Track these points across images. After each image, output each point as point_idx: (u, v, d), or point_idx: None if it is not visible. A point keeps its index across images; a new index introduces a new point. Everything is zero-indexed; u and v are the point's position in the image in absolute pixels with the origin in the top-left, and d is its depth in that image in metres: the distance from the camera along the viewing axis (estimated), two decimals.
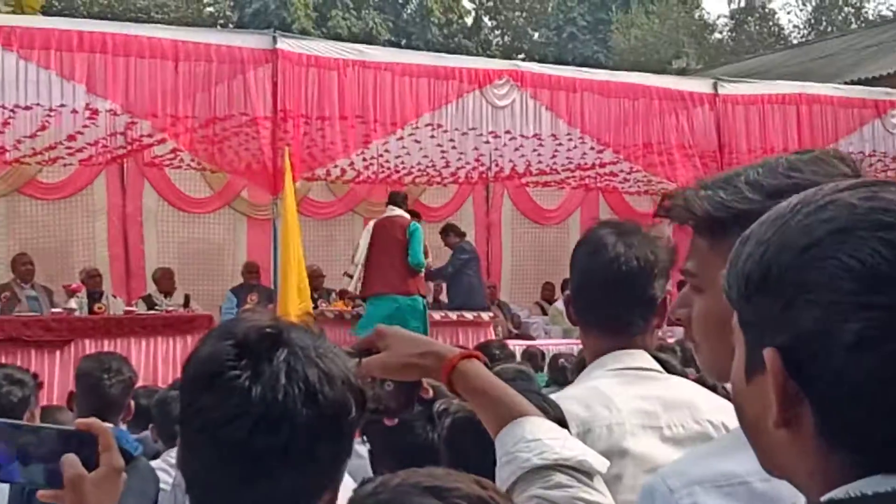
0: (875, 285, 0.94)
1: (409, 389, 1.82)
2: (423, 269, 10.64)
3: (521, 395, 1.74)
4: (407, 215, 10.78)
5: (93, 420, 1.61)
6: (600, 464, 1.63)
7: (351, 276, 10.93)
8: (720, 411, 2.23)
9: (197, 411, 1.39)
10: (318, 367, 1.39)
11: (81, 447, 1.57)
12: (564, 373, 6.48)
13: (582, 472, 1.60)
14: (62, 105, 9.56)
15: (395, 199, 10.94)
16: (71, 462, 1.54)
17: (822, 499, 0.96)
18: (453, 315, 11.62)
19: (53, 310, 10.67)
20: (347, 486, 1.50)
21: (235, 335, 1.40)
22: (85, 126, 10.19)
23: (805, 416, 0.98)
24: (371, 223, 11.00)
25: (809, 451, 0.99)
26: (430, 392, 1.85)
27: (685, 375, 2.89)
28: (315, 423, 1.36)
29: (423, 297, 10.68)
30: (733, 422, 1.12)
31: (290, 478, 1.37)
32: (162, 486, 4.24)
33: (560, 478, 1.57)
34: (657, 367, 2.35)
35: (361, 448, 4.38)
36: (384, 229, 10.58)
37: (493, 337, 10.94)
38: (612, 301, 2.31)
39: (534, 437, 1.62)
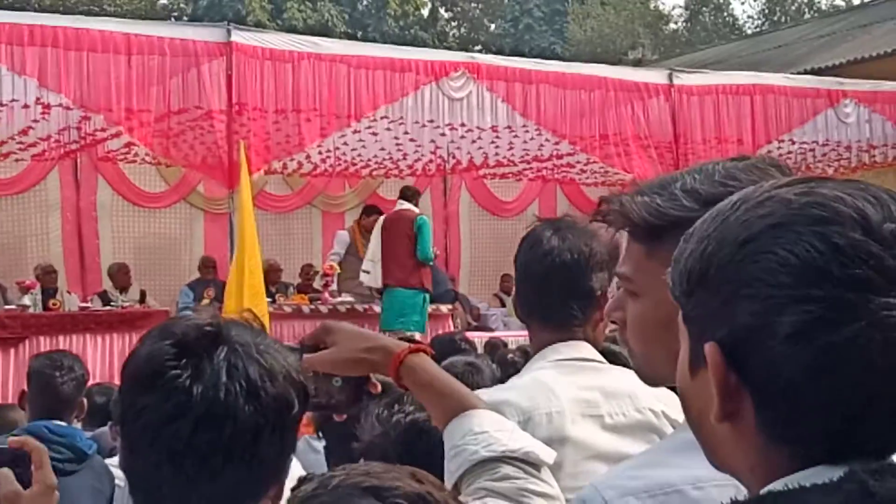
0: (810, 278, 0.95)
1: (356, 385, 1.82)
2: (432, 263, 10.90)
3: (468, 390, 1.75)
4: (416, 209, 10.98)
5: (26, 438, 1.60)
6: (547, 455, 1.64)
7: (368, 273, 11.04)
8: (660, 400, 2.26)
9: (138, 412, 1.38)
10: (258, 364, 1.38)
11: (15, 464, 1.55)
12: (515, 366, 6.47)
13: (529, 463, 1.61)
14: (13, 100, 9.44)
15: (406, 194, 11.20)
16: (6, 477, 1.53)
17: (762, 492, 0.97)
18: None
19: (7, 307, 10.54)
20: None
21: (175, 334, 1.39)
22: (36, 121, 10.07)
23: (746, 409, 0.99)
24: (381, 218, 11.18)
25: (751, 444, 1.00)
26: (378, 387, 1.86)
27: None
28: (258, 419, 1.36)
29: (429, 291, 10.83)
30: (674, 411, 1.13)
31: (235, 475, 1.37)
32: (118, 482, 4.21)
33: (507, 469, 1.58)
34: (599, 357, 2.38)
35: (317, 443, 4.39)
36: (393, 224, 10.81)
37: (452, 329, 10.95)
38: (548, 293, 2.36)
39: (481, 430, 1.63)
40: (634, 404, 2.27)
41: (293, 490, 1.27)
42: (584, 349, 2.36)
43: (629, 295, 1.56)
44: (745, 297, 0.98)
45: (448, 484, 1.63)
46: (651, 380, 1.59)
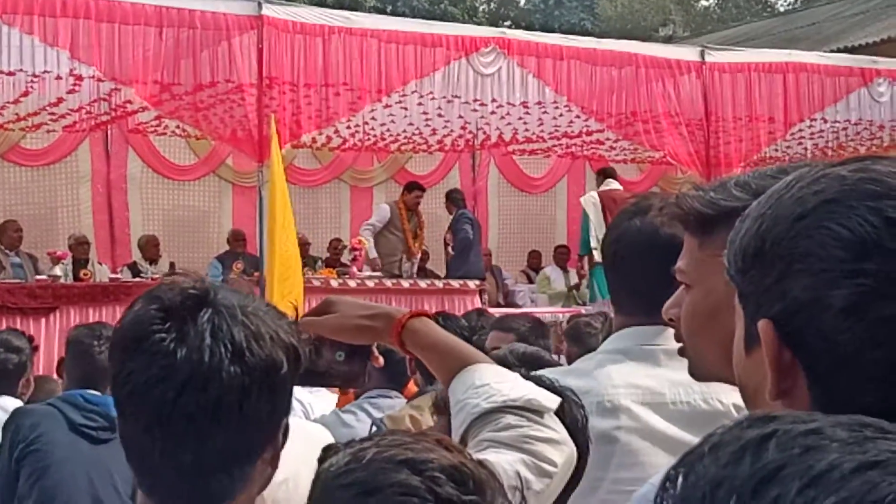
0: (863, 253, 0.95)
1: (360, 359, 1.83)
2: None
3: (471, 347, 1.76)
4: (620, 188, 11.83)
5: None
6: (550, 401, 1.65)
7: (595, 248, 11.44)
8: (733, 392, 2.20)
9: (126, 377, 1.39)
10: (244, 325, 1.38)
11: None
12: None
13: (531, 410, 1.61)
14: (45, 71, 9.49)
15: (610, 173, 12.08)
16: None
17: None
18: (439, 283, 11.65)
19: (38, 277, 10.63)
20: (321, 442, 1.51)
21: (160, 299, 1.40)
22: (69, 92, 10.11)
23: (800, 385, 1.00)
24: (591, 196, 11.73)
25: None
26: (381, 360, 1.87)
27: None
28: (244, 380, 1.36)
29: None
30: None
31: (224, 437, 1.37)
32: None
33: (509, 419, 1.58)
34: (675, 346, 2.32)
35: (348, 416, 4.42)
36: (613, 202, 11.24)
37: (480, 305, 10.97)
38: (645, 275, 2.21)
39: (482, 383, 1.63)
40: (703, 395, 2.19)
41: (320, 461, 1.27)
42: (666, 337, 2.31)
43: (685, 288, 1.58)
44: (798, 273, 0.98)
45: (455, 439, 1.63)
46: (700, 373, 1.59)
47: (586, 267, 12.23)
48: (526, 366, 1.98)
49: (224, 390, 1.35)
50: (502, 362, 1.72)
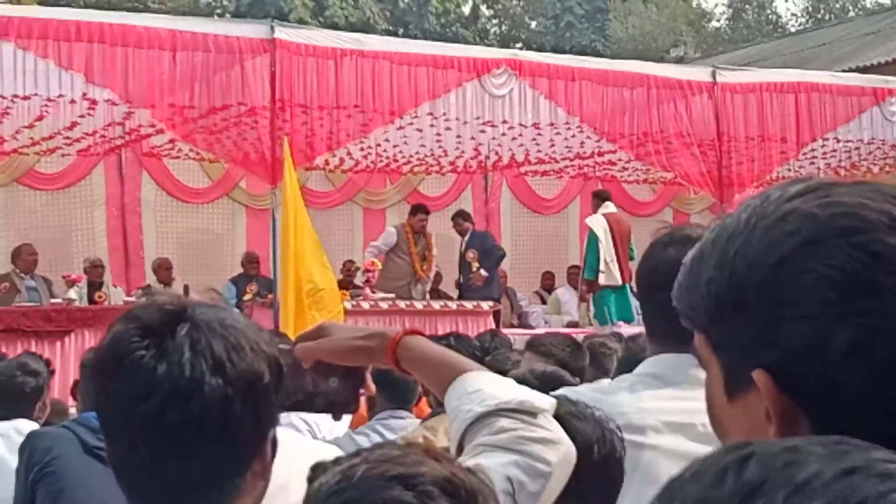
0: (857, 291, 0.93)
1: (353, 384, 1.82)
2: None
3: (464, 357, 1.76)
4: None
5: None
6: (543, 402, 1.64)
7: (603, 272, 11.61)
8: None
9: (108, 397, 1.40)
10: (223, 338, 1.38)
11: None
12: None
13: (525, 412, 1.59)
14: (60, 95, 9.56)
15: (606, 196, 12.13)
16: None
17: None
18: (453, 305, 11.64)
19: (53, 300, 10.66)
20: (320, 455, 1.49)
21: (138, 318, 1.41)
22: (83, 116, 10.18)
23: (802, 427, 0.97)
24: (599, 218, 11.77)
25: None
26: (373, 389, 1.87)
27: None
28: (225, 391, 1.36)
29: None
30: None
31: (209, 450, 1.37)
32: None
33: (503, 422, 1.57)
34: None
35: (359, 438, 4.41)
36: (619, 224, 11.75)
37: (493, 327, 10.95)
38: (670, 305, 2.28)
39: (475, 389, 1.63)
40: None
41: (309, 480, 1.26)
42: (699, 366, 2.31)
43: None
44: (791, 319, 0.95)
45: (452, 446, 1.64)
46: None
47: (585, 289, 12.12)
48: (545, 385, 1.98)
49: (206, 403, 1.35)
50: (522, 382, 1.71)
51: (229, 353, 1.38)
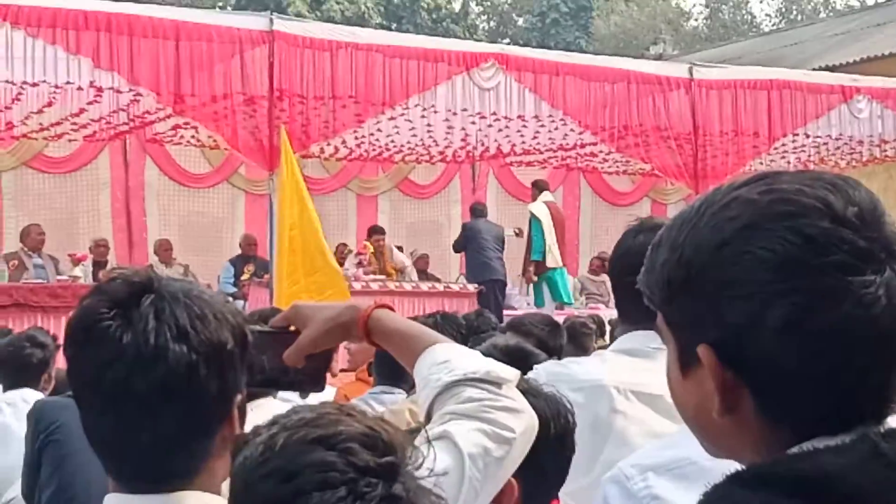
0: (790, 271, 0.96)
1: (320, 364, 1.79)
2: None
3: (433, 330, 1.75)
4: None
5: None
6: (508, 373, 1.64)
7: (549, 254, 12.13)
8: None
9: (78, 366, 1.42)
10: (186, 307, 1.40)
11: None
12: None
13: (490, 382, 1.60)
14: (68, 82, 9.50)
15: (544, 185, 12.73)
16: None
17: (776, 456, 0.99)
18: (440, 286, 11.67)
19: (59, 277, 10.64)
20: None
21: (106, 291, 1.42)
22: (90, 103, 10.12)
23: (744, 400, 1.01)
24: (541, 205, 12.28)
25: (753, 429, 1.02)
26: (336, 371, 1.86)
27: None
28: (190, 357, 1.37)
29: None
30: None
31: (175, 416, 1.38)
32: None
33: (470, 392, 1.58)
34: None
35: None
36: (558, 212, 12.52)
37: (478, 307, 10.96)
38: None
39: (444, 359, 1.63)
40: None
41: (233, 455, 1.25)
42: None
43: None
44: (731, 298, 0.99)
45: (421, 415, 1.64)
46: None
47: (532, 271, 12.23)
48: (510, 359, 1.98)
49: (171, 368, 1.36)
50: (487, 356, 1.71)
51: (193, 322, 1.39)
